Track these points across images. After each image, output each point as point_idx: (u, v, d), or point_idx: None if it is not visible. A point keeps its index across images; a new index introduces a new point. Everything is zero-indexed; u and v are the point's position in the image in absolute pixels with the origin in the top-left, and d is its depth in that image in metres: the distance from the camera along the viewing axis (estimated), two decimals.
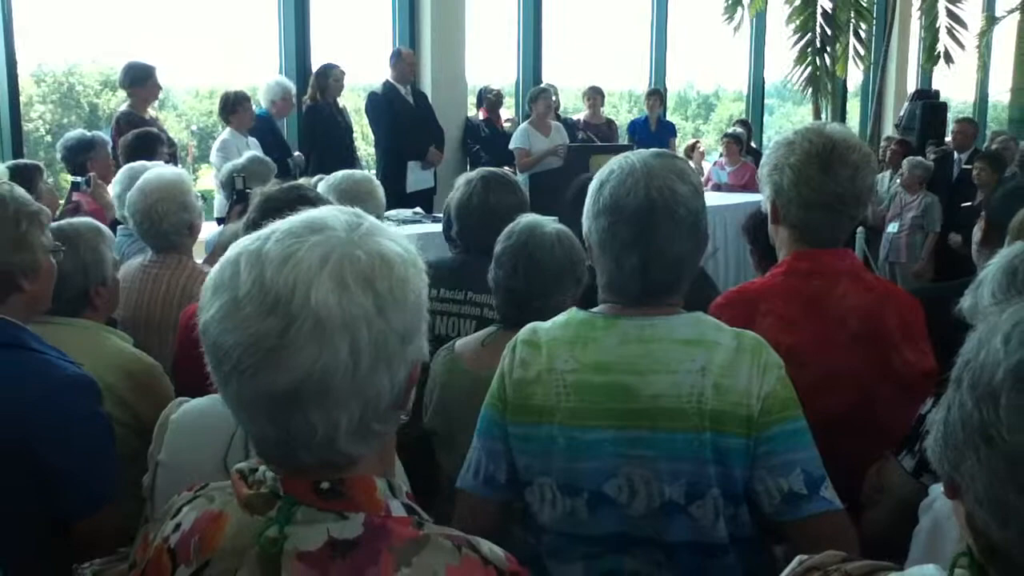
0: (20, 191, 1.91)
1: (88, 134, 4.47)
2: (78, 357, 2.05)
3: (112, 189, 3.60)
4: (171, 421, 1.64)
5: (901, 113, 10.67)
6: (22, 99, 5.72)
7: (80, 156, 4.25)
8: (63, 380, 1.79)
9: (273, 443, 0.93)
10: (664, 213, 1.48)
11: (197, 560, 0.97)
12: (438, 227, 4.18)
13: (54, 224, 2.24)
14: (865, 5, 9.70)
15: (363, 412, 0.90)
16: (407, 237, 0.98)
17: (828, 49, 9.27)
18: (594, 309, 1.58)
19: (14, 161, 3.70)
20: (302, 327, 0.85)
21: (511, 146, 7.01)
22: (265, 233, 0.92)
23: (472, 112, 7.73)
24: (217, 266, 0.92)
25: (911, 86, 12.27)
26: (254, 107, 5.95)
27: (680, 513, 1.47)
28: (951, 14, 10.45)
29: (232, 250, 0.92)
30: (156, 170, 2.97)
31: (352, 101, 7.45)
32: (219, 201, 5.48)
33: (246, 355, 0.86)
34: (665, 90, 10.12)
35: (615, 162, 1.55)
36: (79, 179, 4.10)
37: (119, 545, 1.41)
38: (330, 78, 6.30)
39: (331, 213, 0.94)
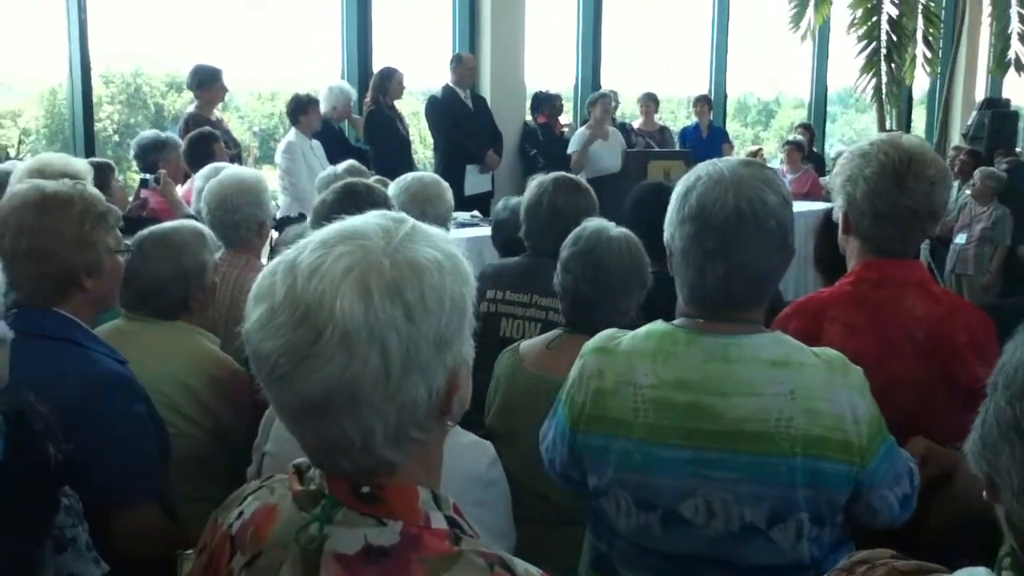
0: (92, 191, 1.94)
1: (162, 135, 4.61)
2: (164, 357, 2.10)
3: (196, 183, 3.70)
4: None
5: (969, 122, 10.42)
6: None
7: (152, 155, 4.37)
8: (101, 377, 1.81)
9: (316, 451, 0.95)
10: (753, 224, 1.43)
11: (251, 550, 0.99)
12: None
13: (158, 229, 2.29)
14: (933, 10, 9.48)
15: (399, 419, 0.91)
16: (455, 241, 0.97)
17: (895, 57, 9.08)
18: (675, 322, 1.54)
19: (87, 159, 3.80)
20: (331, 337, 0.86)
21: (569, 150, 7.01)
22: (303, 243, 0.93)
23: (530, 117, 7.76)
24: (260, 275, 0.94)
25: (980, 94, 11.97)
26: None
27: (760, 536, 1.43)
28: (1023, 19, 10.17)
29: (274, 261, 0.94)
30: (238, 168, 3.07)
31: (410, 105, 7.52)
32: (283, 201, 5.58)
33: (281, 363, 0.88)
34: (725, 97, 10.03)
35: (702, 168, 1.50)
36: (148, 176, 4.21)
37: (157, 544, 1.41)
38: (392, 81, 6.37)
39: (368, 220, 0.94)
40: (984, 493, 0.88)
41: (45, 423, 1.26)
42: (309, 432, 0.93)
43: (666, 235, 1.53)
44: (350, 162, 4.01)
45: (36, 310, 1.81)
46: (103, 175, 3.47)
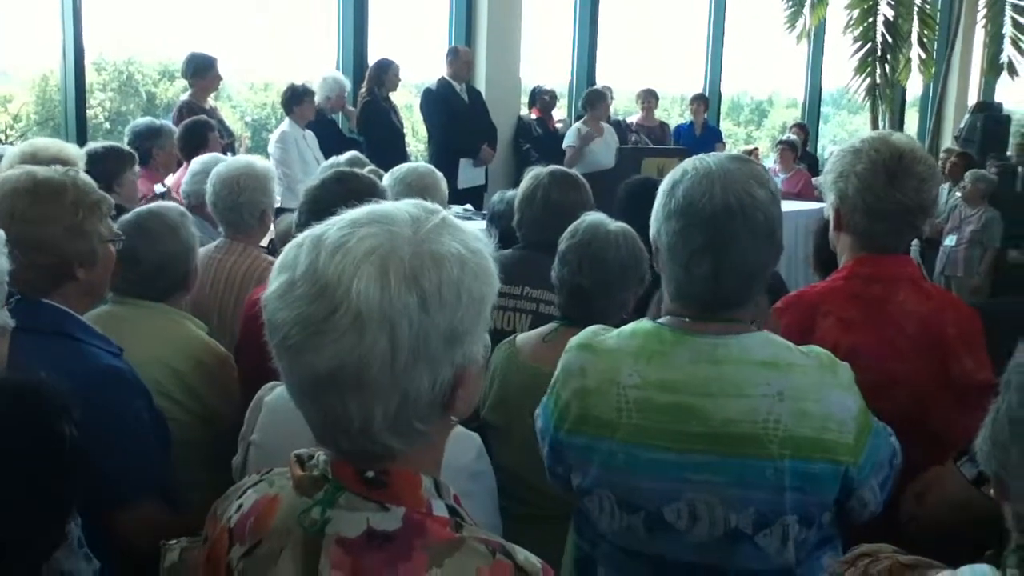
0: (84, 178, 1.90)
1: (156, 122, 4.55)
2: (153, 342, 2.08)
3: (192, 166, 3.67)
4: (265, 403, 1.67)
5: (961, 125, 10.47)
6: None
7: (146, 143, 4.32)
8: (99, 373, 1.77)
9: (319, 425, 0.96)
10: (741, 219, 1.39)
11: (250, 540, 1.00)
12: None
13: (149, 209, 2.28)
14: (929, 12, 9.52)
15: (401, 407, 0.91)
16: (485, 241, 0.97)
17: (889, 58, 9.12)
18: (661, 320, 1.51)
19: (105, 144, 3.65)
20: (344, 315, 0.87)
21: (564, 145, 7.02)
22: (334, 219, 0.95)
23: (525, 111, 7.75)
24: (287, 247, 0.96)
25: (972, 97, 12.02)
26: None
27: (746, 542, 1.41)
28: (1017, 24, 10.20)
29: (303, 233, 0.95)
30: (248, 157, 3.11)
31: (404, 97, 7.50)
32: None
33: (293, 333, 0.90)
34: (719, 95, 10.05)
35: (689, 163, 1.47)
36: None
37: (164, 536, 1.40)
38: (388, 73, 6.36)
39: (399, 207, 0.96)
40: (992, 491, 0.89)
41: (61, 402, 1.24)
42: (312, 407, 0.94)
43: (652, 231, 1.50)
44: (352, 153, 4.01)
45: (29, 302, 1.77)
46: (121, 163, 3.40)
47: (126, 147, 3.63)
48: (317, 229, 0.94)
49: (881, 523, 1.57)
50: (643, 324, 1.52)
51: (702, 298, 1.45)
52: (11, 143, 5.48)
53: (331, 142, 5.75)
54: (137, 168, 3.56)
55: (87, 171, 2.14)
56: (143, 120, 4.66)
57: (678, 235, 1.43)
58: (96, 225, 1.85)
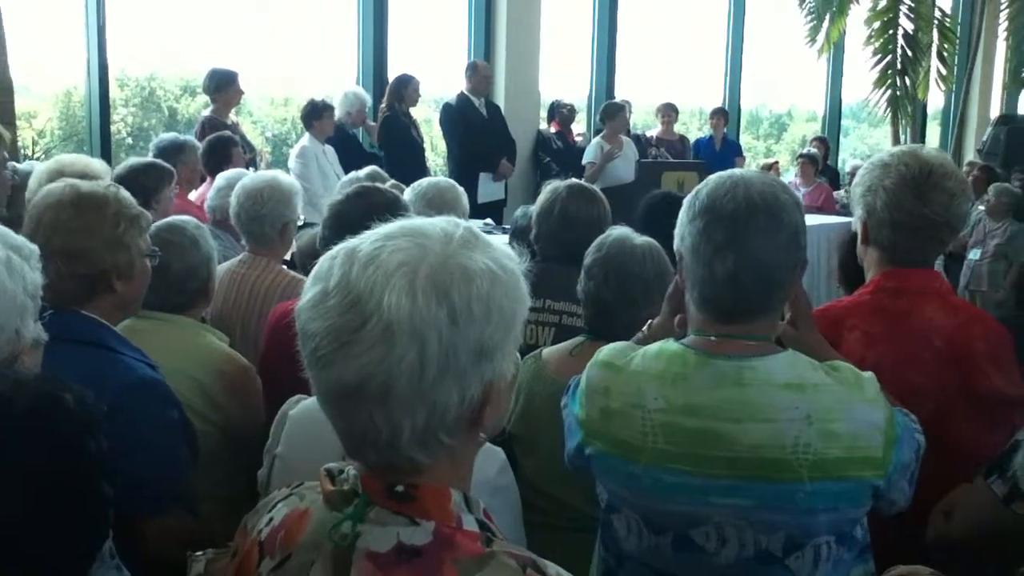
0: (125, 193, 1.94)
1: (180, 138, 4.57)
2: (175, 354, 2.09)
3: (217, 182, 3.71)
4: (290, 416, 1.68)
5: (984, 138, 10.38)
6: None
7: (171, 158, 4.33)
8: (135, 383, 1.80)
9: (347, 436, 0.96)
10: (764, 216, 1.40)
11: (280, 554, 1.00)
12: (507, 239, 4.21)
13: (169, 222, 2.30)
14: (949, 25, 9.47)
15: (428, 421, 0.91)
16: (517, 260, 0.97)
17: (909, 71, 9.08)
18: (686, 340, 1.49)
19: (145, 159, 3.65)
20: (374, 327, 0.88)
21: (584, 160, 7.02)
22: (369, 233, 0.95)
23: (544, 125, 7.77)
24: (322, 258, 0.96)
25: (994, 110, 11.93)
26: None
27: (776, 564, 1.39)
28: None
29: (338, 246, 0.96)
30: (274, 172, 3.14)
31: (423, 112, 7.54)
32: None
33: (323, 344, 0.90)
34: (739, 109, 10.04)
35: (713, 176, 1.49)
36: None
37: (188, 547, 1.41)
38: (409, 88, 6.40)
39: (432, 223, 0.96)
40: None
41: (86, 415, 1.24)
42: (341, 418, 0.94)
43: (676, 240, 1.50)
44: (373, 168, 4.03)
45: (66, 313, 1.80)
46: (160, 179, 3.40)
47: (165, 163, 3.63)
48: (351, 242, 0.95)
49: (909, 540, 1.54)
50: (668, 345, 1.50)
51: (724, 304, 1.43)
52: (37, 158, 5.54)
53: (351, 157, 5.79)
54: (175, 184, 3.57)
55: (126, 186, 2.16)
56: (167, 136, 4.68)
57: (701, 234, 1.43)
58: (135, 239, 1.90)
